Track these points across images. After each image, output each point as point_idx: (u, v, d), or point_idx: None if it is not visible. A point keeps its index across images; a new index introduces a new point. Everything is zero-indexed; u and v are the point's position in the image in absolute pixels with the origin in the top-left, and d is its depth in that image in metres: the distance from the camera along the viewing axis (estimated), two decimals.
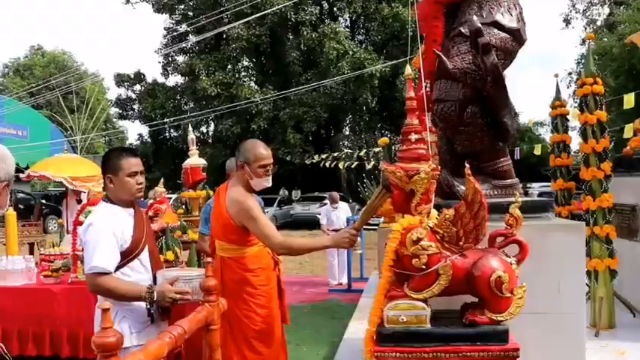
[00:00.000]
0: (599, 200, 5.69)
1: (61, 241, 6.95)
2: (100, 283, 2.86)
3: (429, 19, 4.33)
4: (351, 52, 25.34)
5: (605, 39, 27.77)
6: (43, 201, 23.39)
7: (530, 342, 2.95)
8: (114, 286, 2.85)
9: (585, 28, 31.93)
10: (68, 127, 24.37)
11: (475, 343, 2.76)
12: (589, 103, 5.83)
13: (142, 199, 3.36)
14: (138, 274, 3.05)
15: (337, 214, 10.55)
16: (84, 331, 4.66)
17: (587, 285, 5.43)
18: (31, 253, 10.08)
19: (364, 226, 3.45)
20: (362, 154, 14.38)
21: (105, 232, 2.93)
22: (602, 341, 5.19)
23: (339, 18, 30.11)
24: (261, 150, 3.51)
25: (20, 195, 23.01)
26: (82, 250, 3.57)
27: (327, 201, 11.39)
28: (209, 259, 2.82)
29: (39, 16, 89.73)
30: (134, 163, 3.06)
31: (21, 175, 10.50)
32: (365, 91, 25.93)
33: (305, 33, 25.97)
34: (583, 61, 25.69)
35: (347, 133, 33.04)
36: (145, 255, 3.10)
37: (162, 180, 6.91)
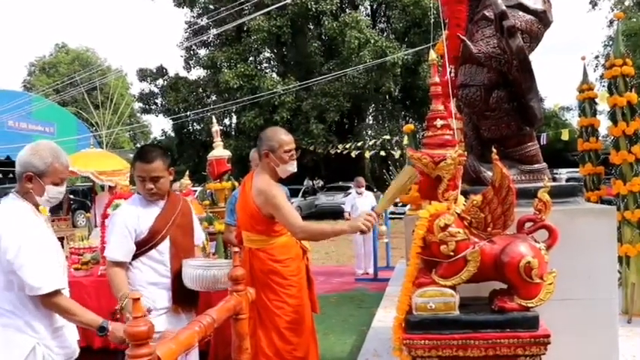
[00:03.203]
0: (630, 184, 5.59)
1: (89, 235, 7.05)
2: (109, 272, 3.14)
3: (451, 3, 4.26)
4: (372, 41, 25.13)
5: (634, 19, 27.19)
6: (71, 196, 23.72)
7: (560, 328, 2.91)
8: (112, 279, 3.12)
9: (612, 9, 31.21)
10: (94, 122, 24.69)
11: (504, 330, 2.73)
12: (618, 84, 5.72)
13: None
14: (154, 262, 3.20)
15: (362, 201, 10.50)
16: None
17: (619, 271, 5.35)
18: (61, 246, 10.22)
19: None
20: (386, 137, 14.25)
21: (117, 224, 3.15)
22: (635, 328, 5.13)
23: (360, 7, 29.94)
24: (283, 136, 3.53)
25: None
26: None
27: (351, 190, 11.36)
28: (236, 249, 2.84)
29: (62, 15, 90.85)
30: (142, 169, 3.18)
31: None
32: (387, 79, 25.77)
33: (326, 22, 25.89)
34: (611, 42, 25.19)
35: (370, 122, 32.94)
36: (164, 245, 3.20)
37: (187, 172, 6.97)
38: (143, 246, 3.16)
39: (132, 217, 3.16)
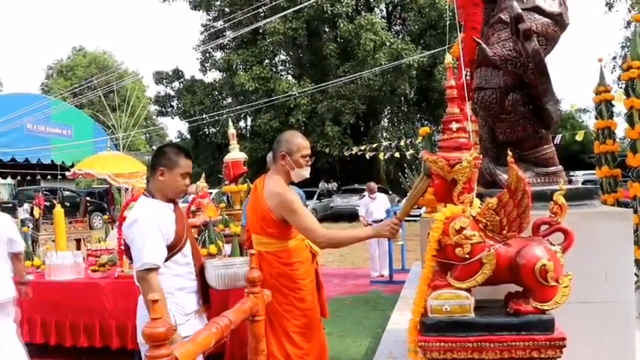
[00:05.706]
0: None
1: (106, 237, 7.13)
2: (148, 279, 2.89)
3: (467, 6, 4.28)
4: (388, 43, 25.11)
5: None
6: (88, 198, 23.94)
7: (576, 331, 2.90)
8: (150, 290, 2.88)
9: (630, 10, 30.86)
10: (110, 125, 24.90)
11: (520, 333, 2.73)
12: (635, 86, 5.68)
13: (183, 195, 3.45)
14: (180, 266, 3.14)
15: (376, 205, 10.51)
16: (131, 323, 4.76)
17: (636, 274, 5.30)
18: (78, 248, 10.32)
19: (405, 218, 3.44)
20: (402, 144, 14.21)
21: (151, 228, 2.99)
22: None
23: (375, 9, 29.88)
24: (301, 140, 3.54)
25: (66, 193, 23.61)
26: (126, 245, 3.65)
27: (365, 193, 11.39)
28: (252, 251, 2.86)
29: (80, 18, 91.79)
30: (188, 165, 3.18)
31: (67, 174, 10.77)
32: (403, 81, 25.72)
33: (341, 25, 25.88)
34: (628, 44, 24.90)
35: (385, 124, 32.91)
36: (187, 248, 3.18)
37: (203, 175, 7.01)
38: (171, 250, 3.07)
39: (160, 220, 3.05)
